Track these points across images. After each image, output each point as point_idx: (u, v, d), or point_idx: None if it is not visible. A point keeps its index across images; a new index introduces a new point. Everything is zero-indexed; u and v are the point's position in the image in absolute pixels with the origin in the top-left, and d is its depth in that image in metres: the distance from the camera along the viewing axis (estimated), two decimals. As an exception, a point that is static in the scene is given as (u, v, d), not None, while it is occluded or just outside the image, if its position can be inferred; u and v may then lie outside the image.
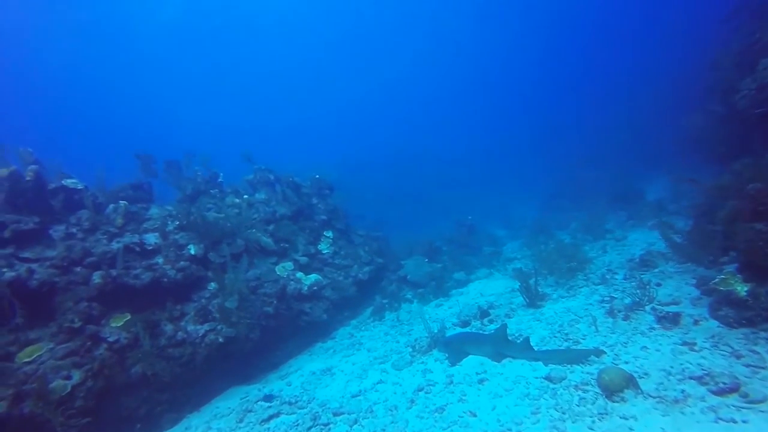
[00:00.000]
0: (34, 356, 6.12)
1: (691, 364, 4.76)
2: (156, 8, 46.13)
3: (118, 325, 6.94)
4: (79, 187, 8.39)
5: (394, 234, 14.93)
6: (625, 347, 5.58)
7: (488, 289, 10.24)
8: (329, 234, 11.54)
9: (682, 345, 5.21)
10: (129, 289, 7.46)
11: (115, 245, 7.89)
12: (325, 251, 11.16)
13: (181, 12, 47.66)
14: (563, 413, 4.49)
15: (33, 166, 7.75)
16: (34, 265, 6.85)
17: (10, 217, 7.22)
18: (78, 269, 7.15)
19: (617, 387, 4.51)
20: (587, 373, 5.16)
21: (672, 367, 4.79)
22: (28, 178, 7.51)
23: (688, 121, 12.52)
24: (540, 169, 26.73)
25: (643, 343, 5.55)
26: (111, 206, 8.61)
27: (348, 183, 14.68)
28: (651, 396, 4.34)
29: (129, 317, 7.09)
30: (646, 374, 4.78)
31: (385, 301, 10.76)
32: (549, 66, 52.09)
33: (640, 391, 4.46)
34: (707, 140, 12.56)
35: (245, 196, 11.18)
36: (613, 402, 4.45)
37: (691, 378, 4.46)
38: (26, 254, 6.99)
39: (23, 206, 7.43)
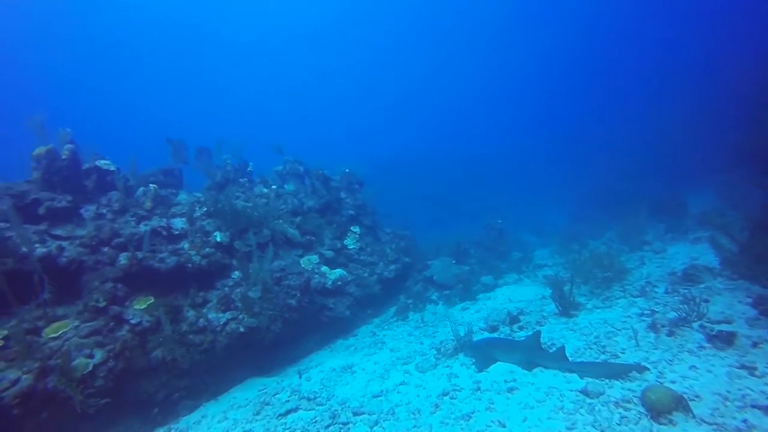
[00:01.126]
0: (60, 332, 6.12)
1: (752, 390, 4.29)
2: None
3: (142, 307, 6.91)
4: (112, 168, 8.47)
5: (421, 234, 14.65)
6: (671, 365, 5.14)
7: (517, 295, 9.84)
8: (356, 229, 11.35)
9: (739, 368, 4.73)
10: (154, 272, 7.44)
11: (142, 228, 7.90)
12: (351, 247, 10.98)
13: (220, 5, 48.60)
14: (603, 431, 4.12)
15: (69, 145, 7.84)
16: (64, 243, 6.90)
17: (45, 195, 7.31)
18: (106, 249, 7.16)
19: (665, 408, 4.11)
20: (628, 389, 4.76)
21: (729, 391, 4.34)
22: (64, 157, 7.60)
23: (740, 132, 11.76)
24: (572, 177, 25.94)
25: (692, 362, 5.10)
26: (141, 189, 8.65)
27: (377, 181, 14.51)
28: (705, 422, 3.93)
29: (152, 300, 7.07)
30: (697, 397, 4.35)
31: (409, 301, 10.49)
32: (587, 71, 50.67)
33: (692, 415, 4.04)
34: (760, 152, 11.82)
35: (273, 187, 11.12)
36: (660, 424, 4.05)
37: (754, 407, 4.01)
38: (58, 231, 7.05)
39: (58, 184, 7.52)
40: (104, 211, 7.85)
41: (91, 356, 5.98)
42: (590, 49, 51.04)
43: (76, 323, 6.26)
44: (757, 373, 4.59)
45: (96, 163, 8.31)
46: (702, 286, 7.52)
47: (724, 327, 5.68)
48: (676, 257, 10.00)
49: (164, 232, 8.18)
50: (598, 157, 26.90)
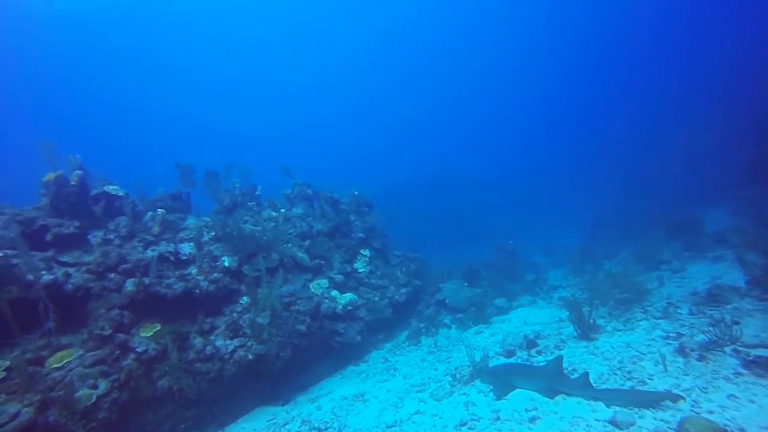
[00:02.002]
0: (64, 362, 5.95)
1: (802, 419, 3.99)
2: (194, 19, 48.09)
3: (148, 335, 6.73)
4: (120, 194, 8.45)
5: (432, 256, 14.39)
6: (706, 393, 4.83)
7: (533, 318, 9.52)
8: (366, 253, 11.17)
9: (783, 396, 4.42)
10: (161, 298, 7.29)
11: (150, 253, 7.79)
12: (362, 270, 10.77)
13: (221, 22, 49.66)
14: (638, 467, 3.82)
15: (78, 171, 7.84)
16: (71, 270, 6.80)
17: (53, 221, 7.26)
18: (112, 275, 7.05)
19: (705, 440, 3.81)
20: (662, 420, 4.44)
21: (775, 423, 4.03)
22: (72, 183, 7.59)
23: (757, 149, 11.56)
24: (584, 196, 25.68)
25: (730, 390, 4.78)
26: (149, 214, 8.60)
27: (386, 203, 14.44)
28: (752, 456, 3.62)
29: (159, 328, 6.89)
30: (742, 430, 4.03)
31: (421, 325, 10.21)
32: (600, 87, 50.89)
33: (735, 449, 3.74)
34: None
35: (282, 210, 11.04)
36: (701, 459, 3.75)
37: (805, 439, 3.71)
38: (65, 258, 6.96)
39: (66, 210, 7.48)
40: (112, 236, 7.77)
41: (95, 387, 5.77)
42: (604, 64, 51.39)
43: (81, 352, 6.09)
44: (803, 401, 4.28)
45: (104, 188, 8.30)
46: (729, 306, 7.20)
47: (761, 352, 5.36)
48: (696, 276, 9.66)
49: (172, 258, 8.07)
50: (610, 176, 26.68)
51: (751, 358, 5.13)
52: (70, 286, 6.53)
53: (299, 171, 13.03)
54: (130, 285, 6.98)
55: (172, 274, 7.77)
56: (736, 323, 6.24)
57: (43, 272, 6.42)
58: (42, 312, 6.07)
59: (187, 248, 8.49)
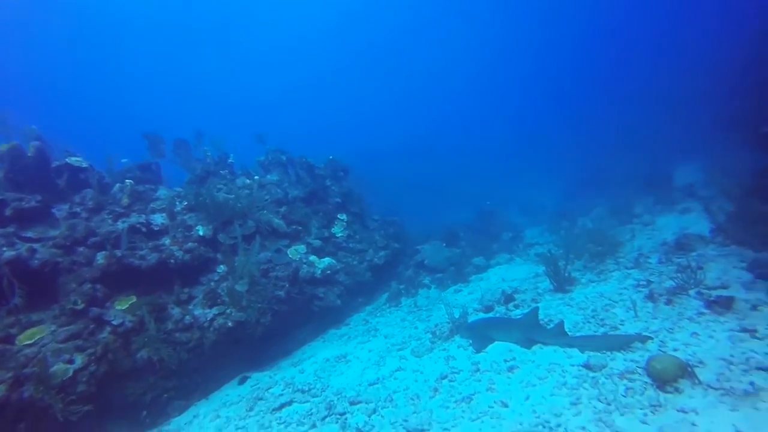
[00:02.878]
0: (36, 339, 5.80)
1: (756, 353, 4.20)
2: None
3: (123, 308, 6.60)
4: (84, 165, 8.08)
5: (410, 221, 14.41)
6: (672, 333, 5.04)
7: (510, 274, 9.72)
8: (343, 217, 11.09)
9: (741, 332, 4.65)
10: (134, 270, 7.11)
11: (120, 225, 7.55)
12: (339, 235, 10.73)
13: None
14: (608, 404, 3.99)
15: (36, 142, 7.43)
16: (36, 245, 6.53)
17: (11, 195, 6.91)
18: (81, 249, 6.81)
19: (671, 376, 4.00)
20: (632, 360, 4.64)
21: (733, 356, 4.24)
22: (30, 154, 7.19)
23: (731, 99, 11.72)
24: (560, 156, 25.91)
25: (693, 329, 5.01)
26: (117, 185, 8.29)
27: (363, 170, 14.28)
28: (712, 387, 3.81)
29: (134, 300, 6.75)
30: (701, 363, 4.24)
31: (401, 286, 10.32)
32: (574, 48, 50.45)
33: (697, 381, 3.93)
34: (746, 121, 11.82)
35: (256, 177, 10.80)
36: (666, 393, 3.94)
37: (759, 369, 3.91)
38: (28, 233, 6.68)
39: (25, 183, 7.12)
40: (78, 209, 7.47)
41: (71, 361, 5.68)
42: (579, 19, 50.69)
43: (53, 328, 5.94)
44: (758, 335, 4.51)
45: (67, 160, 7.91)
46: (695, 254, 7.47)
47: (721, 292, 5.62)
48: (666, 228, 9.96)
49: (143, 229, 7.84)
50: (585, 135, 26.90)
51: (712, 299, 5.38)
52: (36, 261, 6.29)
53: (273, 139, 12.71)
54: (101, 258, 6.78)
55: (145, 246, 7.56)
56: (700, 268, 6.48)
57: (4, 248, 6.15)
58: (7, 289, 5.86)
59: (159, 219, 8.25)
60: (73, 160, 8.04)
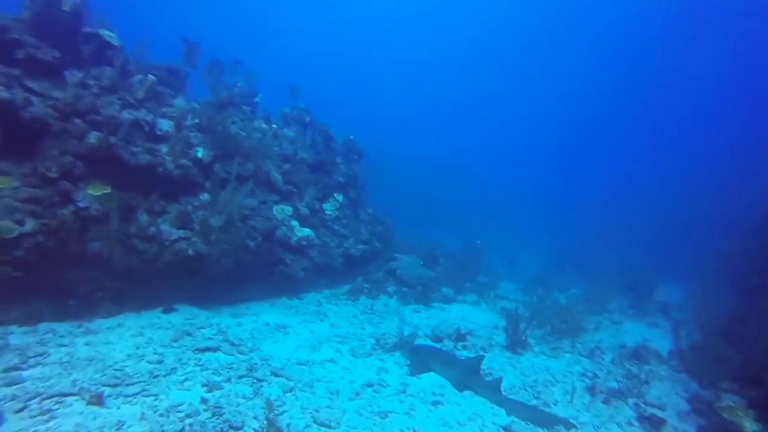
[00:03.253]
0: (-2, 187, 5.62)
1: (666, 481, 4.21)
2: None
3: (95, 194, 6.43)
4: (115, 43, 7.87)
5: (400, 227, 14.39)
6: (597, 431, 5.04)
7: (471, 316, 9.69)
8: (339, 198, 10.99)
9: (660, 456, 4.65)
10: (121, 163, 6.94)
11: (126, 115, 7.36)
12: (329, 212, 10.62)
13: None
14: (512, 475, 3.95)
15: (75, 0, 7.18)
16: (34, 98, 6.33)
17: (30, 40, 6.67)
18: (78, 122, 6.62)
19: (581, 472, 3.97)
20: (550, 442, 4.62)
21: (645, 475, 4.24)
22: (65, 8, 6.96)
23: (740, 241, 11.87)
24: (563, 225, 26.19)
25: (618, 436, 5.01)
26: (138, 76, 8.09)
27: (374, 163, 14.21)
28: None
29: (109, 191, 6.58)
30: (615, 471, 4.23)
31: (366, 285, 10.24)
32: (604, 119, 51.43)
33: (604, 487, 3.91)
34: (741, 266, 11.98)
35: (274, 126, 10.62)
36: (571, 486, 3.90)
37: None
38: (32, 84, 6.46)
39: (49, 36, 6.88)
40: (91, 83, 7.27)
41: (20, 223, 5.51)
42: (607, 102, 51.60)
43: (17, 185, 5.75)
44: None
45: (100, 31, 7.69)
46: (647, 367, 7.48)
47: (656, 412, 5.62)
48: (630, 333, 10.03)
49: (146, 128, 7.66)
50: (597, 216, 27.25)
51: (646, 415, 5.40)
52: (27, 114, 6.08)
53: (305, 97, 12.54)
54: (93, 138, 6.60)
55: (140, 144, 7.39)
56: (647, 382, 6.49)
57: (1, 88, 5.93)
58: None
59: (165, 125, 8.07)
60: (106, 34, 7.82)
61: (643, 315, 12.01)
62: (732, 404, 4.86)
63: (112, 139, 6.79)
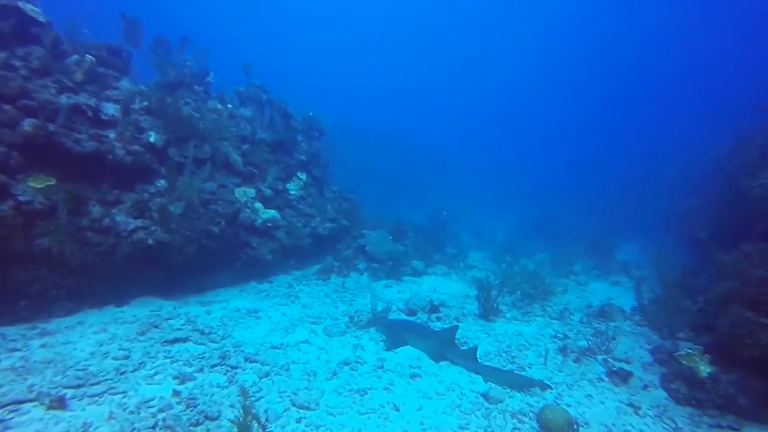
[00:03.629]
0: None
1: (633, 427, 4.43)
2: None
3: (37, 186, 5.96)
4: (41, 19, 7.17)
5: (366, 203, 14.27)
6: (570, 389, 5.22)
7: (443, 287, 9.80)
8: (302, 176, 10.71)
9: (627, 405, 4.88)
10: (65, 152, 6.43)
11: (64, 99, 6.80)
12: (293, 192, 10.36)
13: None
14: (492, 438, 4.05)
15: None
16: (-43, 84, 5.72)
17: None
18: (8, 108, 6.05)
19: (557, 428, 4.10)
20: (527, 403, 4.74)
21: (614, 425, 4.44)
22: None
23: (686, 198, 12.46)
24: (527, 192, 26.77)
25: (589, 391, 5.21)
26: (75, 57, 7.45)
27: (337, 139, 13.94)
28: (589, 450, 3.95)
29: (53, 183, 6.11)
30: (586, 424, 4.41)
31: (336, 263, 10.14)
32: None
33: (579, 440, 4.06)
34: (695, 220, 12.58)
35: (229, 106, 10.15)
36: (548, 443, 4.04)
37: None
38: (-47, 69, 5.83)
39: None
40: (17, 64, 6.62)
41: (-45, 222, 5.04)
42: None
43: (-52, 180, 5.24)
44: (640, 413, 4.77)
45: (19, 3, 6.95)
46: (613, 324, 7.82)
47: (623, 365, 5.88)
48: (595, 293, 10.44)
49: (90, 113, 7.11)
50: (555, 184, 28.00)
51: (614, 369, 5.64)
52: (-49, 101, 5.51)
53: (260, 74, 12.01)
54: (28, 125, 6.05)
55: (85, 131, 6.87)
56: (613, 338, 6.79)
57: None
58: None
59: (111, 109, 7.53)
60: (28, 8, 7.08)
61: (606, 275, 12.52)
62: (689, 351, 5.12)
63: (51, 126, 6.26)
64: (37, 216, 5.86)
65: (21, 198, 5.72)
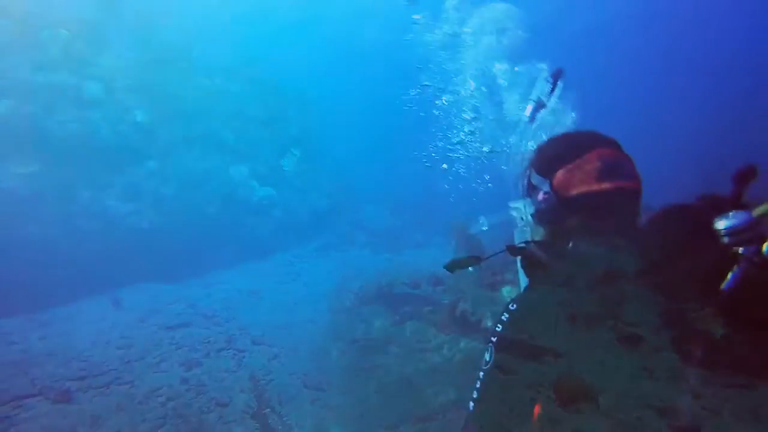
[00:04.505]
0: None
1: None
2: None
3: (21, 172, 5.67)
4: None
5: (364, 178, 13.99)
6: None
7: (445, 259, 9.70)
8: (297, 152, 10.39)
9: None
10: (47, 134, 6.11)
11: (42, 78, 6.40)
12: (288, 168, 10.06)
13: None
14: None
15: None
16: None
17: None
18: None
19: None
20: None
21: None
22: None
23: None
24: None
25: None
26: (46, 32, 6.96)
27: (333, 112, 13.48)
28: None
29: (37, 168, 5.82)
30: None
31: (335, 239, 9.98)
32: None
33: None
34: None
35: (217, 81, 9.68)
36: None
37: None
38: None
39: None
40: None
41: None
42: None
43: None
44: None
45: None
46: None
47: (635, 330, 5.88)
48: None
49: (71, 93, 6.73)
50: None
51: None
52: None
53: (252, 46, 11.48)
54: (2, 107, 5.71)
55: (67, 112, 6.51)
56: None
57: None
58: None
59: (94, 88, 7.11)
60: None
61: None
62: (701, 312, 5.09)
63: (30, 108, 5.92)
64: (24, 204, 5.61)
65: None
